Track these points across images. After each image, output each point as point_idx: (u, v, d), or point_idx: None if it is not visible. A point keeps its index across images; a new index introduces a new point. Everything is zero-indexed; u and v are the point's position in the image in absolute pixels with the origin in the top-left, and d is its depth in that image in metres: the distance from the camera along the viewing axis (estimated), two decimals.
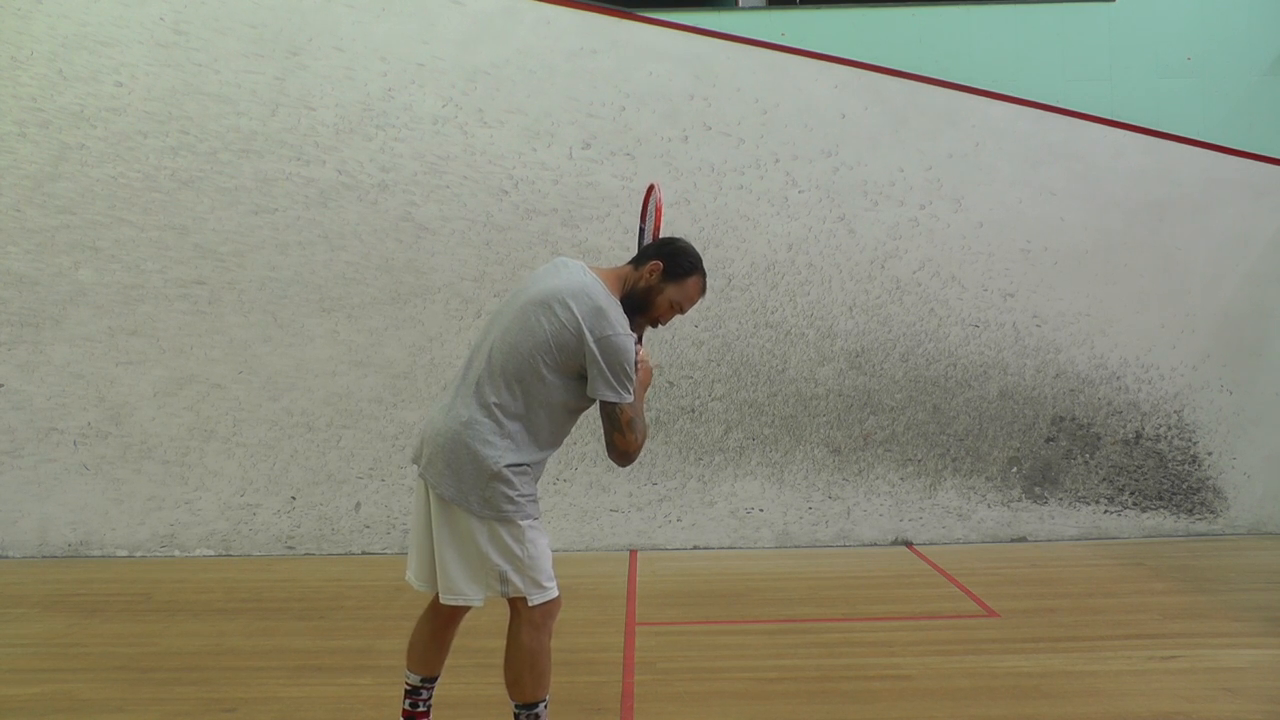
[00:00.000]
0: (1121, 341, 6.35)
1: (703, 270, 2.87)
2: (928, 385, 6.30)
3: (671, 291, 2.82)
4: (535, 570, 2.69)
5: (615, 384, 2.67)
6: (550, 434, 2.76)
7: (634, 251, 3.00)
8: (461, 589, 2.70)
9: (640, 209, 3.27)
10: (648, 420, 3.10)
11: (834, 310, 6.28)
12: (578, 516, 6.19)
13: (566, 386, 2.71)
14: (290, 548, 6.14)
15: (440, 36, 6.17)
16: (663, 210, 3.03)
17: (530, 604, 2.69)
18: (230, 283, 6.15)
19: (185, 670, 3.98)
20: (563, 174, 6.18)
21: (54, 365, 6.11)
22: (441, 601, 2.77)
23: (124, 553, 6.12)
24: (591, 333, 2.65)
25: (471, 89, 6.17)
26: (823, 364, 6.28)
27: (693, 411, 6.24)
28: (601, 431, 2.86)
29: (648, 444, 6.16)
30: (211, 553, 6.13)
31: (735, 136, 6.25)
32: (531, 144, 6.18)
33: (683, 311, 2.88)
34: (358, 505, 6.17)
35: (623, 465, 2.81)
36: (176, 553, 6.13)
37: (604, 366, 2.65)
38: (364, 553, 6.15)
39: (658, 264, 2.81)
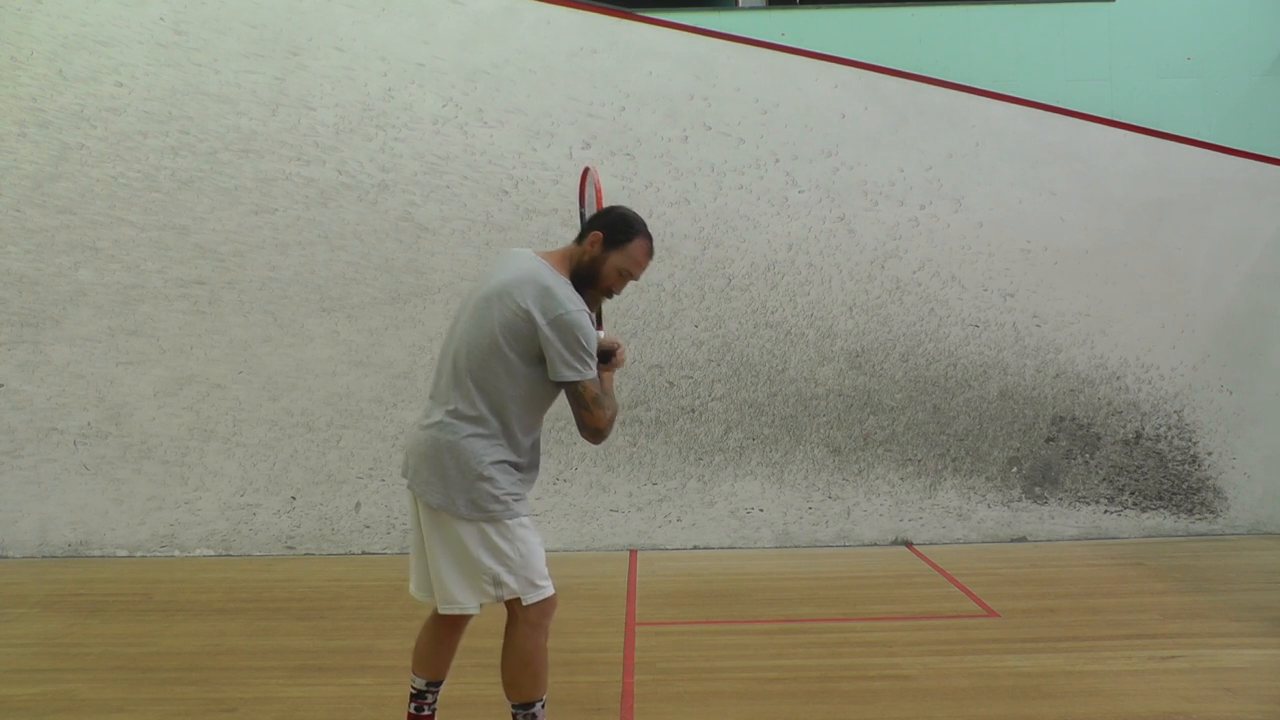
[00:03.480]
0: (1121, 341, 6.35)
1: (646, 233, 2.83)
2: (928, 385, 6.30)
3: (616, 259, 2.79)
4: (528, 569, 2.69)
5: (574, 361, 2.65)
6: (525, 426, 2.74)
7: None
8: (457, 598, 2.70)
9: (578, 192, 3.21)
10: (618, 402, 3.08)
11: (834, 310, 6.28)
12: (578, 516, 6.19)
13: (530, 375, 2.70)
14: (290, 548, 6.14)
15: (440, 36, 6.17)
16: (602, 190, 2.99)
17: (525, 604, 2.69)
18: (230, 283, 6.15)
19: (185, 670, 3.98)
20: (563, 174, 6.17)
21: (54, 365, 6.11)
22: (440, 612, 2.77)
23: (124, 553, 6.12)
24: (543, 315, 2.64)
25: (471, 89, 6.17)
26: (823, 364, 6.28)
27: (693, 411, 6.24)
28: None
29: (648, 443, 6.16)
30: (211, 553, 6.13)
31: (735, 136, 6.25)
32: (531, 144, 6.18)
33: (634, 278, 2.84)
34: (358, 505, 6.17)
35: (595, 443, 2.79)
36: (176, 553, 6.13)
37: (560, 347, 2.64)
38: (364, 553, 6.15)
39: (598, 234, 2.79)
